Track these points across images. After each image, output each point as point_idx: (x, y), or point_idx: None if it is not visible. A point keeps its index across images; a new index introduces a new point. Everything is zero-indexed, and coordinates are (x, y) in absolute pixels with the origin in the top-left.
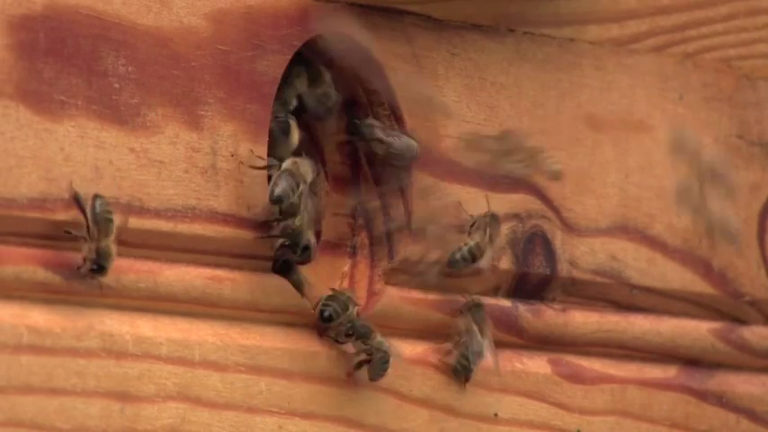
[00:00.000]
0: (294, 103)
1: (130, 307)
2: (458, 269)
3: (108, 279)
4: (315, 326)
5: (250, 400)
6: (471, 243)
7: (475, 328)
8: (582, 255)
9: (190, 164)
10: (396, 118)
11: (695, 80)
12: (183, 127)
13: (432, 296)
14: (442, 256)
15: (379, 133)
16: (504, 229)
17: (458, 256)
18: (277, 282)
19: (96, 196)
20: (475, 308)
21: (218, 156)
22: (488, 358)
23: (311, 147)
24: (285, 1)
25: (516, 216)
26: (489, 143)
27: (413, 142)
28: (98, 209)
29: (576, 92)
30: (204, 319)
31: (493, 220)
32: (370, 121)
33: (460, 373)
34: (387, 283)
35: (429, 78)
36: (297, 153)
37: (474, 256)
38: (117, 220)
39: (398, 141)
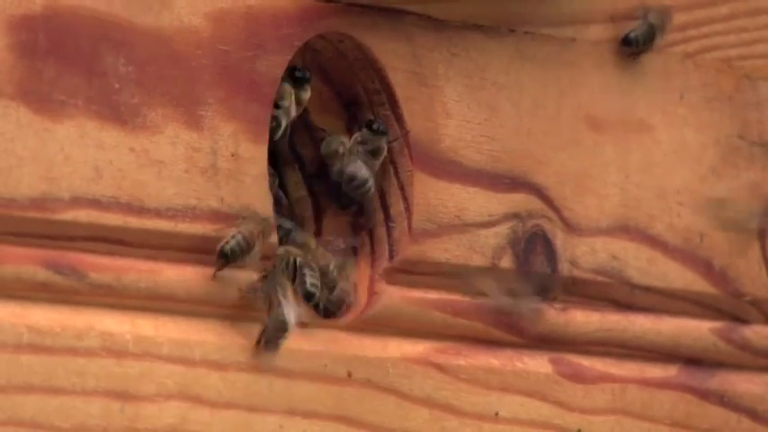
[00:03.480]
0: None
1: (131, 306)
2: None
3: (108, 278)
4: (315, 323)
5: (251, 399)
6: None
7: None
8: (583, 254)
9: (190, 164)
10: (396, 117)
11: (696, 80)
12: (183, 127)
13: (432, 295)
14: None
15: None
16: (505, 229)
17: None
18: None
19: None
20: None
21: (219, 155)
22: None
23: (311, 145)
24: (285, 1)
25: (517, 216)
26: None
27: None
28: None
29: (576, 91)
30: (205, 318)
31: None
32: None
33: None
34: (387, 282)
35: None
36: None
37: None
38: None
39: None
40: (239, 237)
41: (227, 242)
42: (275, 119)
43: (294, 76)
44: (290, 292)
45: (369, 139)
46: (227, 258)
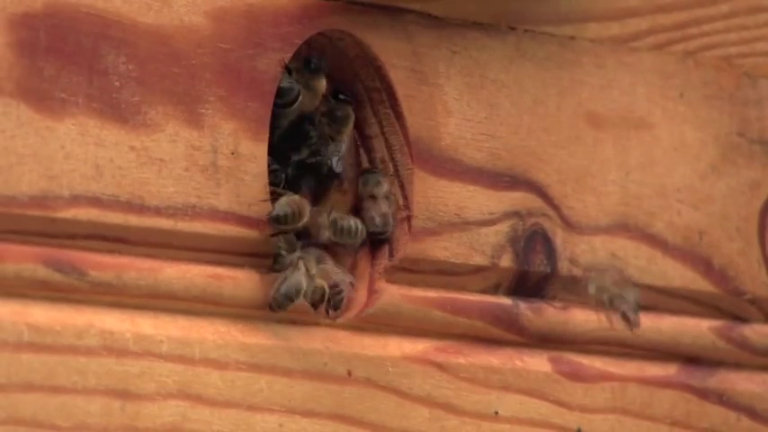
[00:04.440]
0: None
1: (131, 305)
2: None
3: (108, 276)
4: (313, 319)
5: (250, 398)
6: None
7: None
8: (582, 253)
9: (190, 162)
10: (396, 115)
11: (696, 78)
12: (183, 125)
13: (432, 294)
14: None
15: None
16: (505, 227)
17: None
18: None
19: None
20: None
21: (219, 154)
22: None
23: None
24: None
25: (517, 214)
26: None
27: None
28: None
29: (576, 90)
30: (205, 316)
31: None
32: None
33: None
34: (387, 280)
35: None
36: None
37: None
38: None
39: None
40: (285, 200)
41: (274, 208)
42: (285, 87)
43: (309, 67)
44: (312, 263)
45: (334, 107)
46: (278, 222)
